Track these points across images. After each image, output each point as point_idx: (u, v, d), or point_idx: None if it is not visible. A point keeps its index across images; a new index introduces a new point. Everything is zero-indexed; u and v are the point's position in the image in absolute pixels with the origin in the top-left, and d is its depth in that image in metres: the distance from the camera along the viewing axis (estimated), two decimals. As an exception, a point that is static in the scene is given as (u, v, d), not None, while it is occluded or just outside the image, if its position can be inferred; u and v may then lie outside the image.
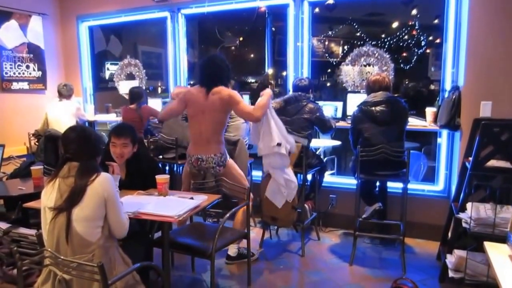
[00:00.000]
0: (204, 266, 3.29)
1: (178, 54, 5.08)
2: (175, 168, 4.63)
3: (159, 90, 6.99)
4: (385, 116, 3.27)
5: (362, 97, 3.69)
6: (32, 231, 1.99)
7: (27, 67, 5.20)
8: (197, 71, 3.31)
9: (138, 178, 2.76)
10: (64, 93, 4.96)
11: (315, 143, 4.08)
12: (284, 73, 7.75)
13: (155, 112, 4.61)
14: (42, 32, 5.36)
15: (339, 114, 4.23)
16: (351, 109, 3.91)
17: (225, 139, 3.47)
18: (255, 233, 3.93)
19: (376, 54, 4.13)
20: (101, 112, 5.60)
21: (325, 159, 4.66)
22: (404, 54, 4.68)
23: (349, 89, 4.24)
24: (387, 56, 4.10)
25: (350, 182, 4.11)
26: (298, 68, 4.35)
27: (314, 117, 3.61)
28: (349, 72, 4.25)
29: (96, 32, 6.03)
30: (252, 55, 7.08)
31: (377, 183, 3.72)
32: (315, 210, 3.90)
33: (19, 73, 5.11)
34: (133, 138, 2.75)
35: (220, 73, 3.11)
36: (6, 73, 4.96)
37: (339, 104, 4.24)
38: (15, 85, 5.07)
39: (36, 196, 2.78)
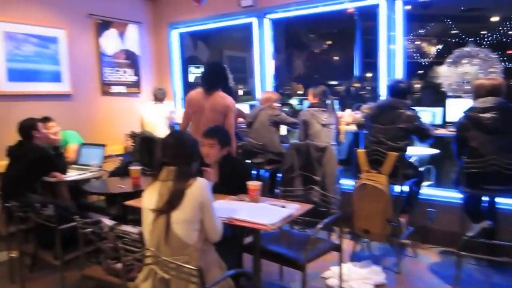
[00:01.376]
0: (292, 275, 3.24)
1: (264, 59, 5.12)
2: (262, 173, 4.65)
3: (241, 92, 7.14)
4: (496, 124, 2.97)
5: (464, 102, 3.43)
6: (135, 229, 2.08)
7: (124, 72, 5.60)
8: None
9: (230, 182, 2.79)
10: (159, 96, 5.31)
11: (410, 151, 3.85)
12: (369, 75, 7.52)
13: (243, 114, 4.68)
14: (137, 39, 5.75)
15: (438, 121, 3.94)
16: (452, 115, 3.64)
17: (313, 146, 3.52)
18: (345, 245, 3.78)
19: (481, 55, 3.78)
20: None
21: (422, 168, 4.38)
22: (510, 52, 4.26)
23: (449, 94, 3.93)
24: (494, 56, 3.73)
25: (451, 195, 3.83)
26: (390, 70, 4.16)
27: (412, 126, 3.39)
28: (447, 74, 3.94)
29: (186, 39, 6.33)
30: (340, 58, 6.93)
31: (485, 198, 3.40)
32: (411, 224, 3.68)
33: (117, 78, 5.51)
34: (221, 140, 2.80)
35: (217, 77, 3.58)
36: (106, 77, 5.38)
37: (438, 110, 3.95)
38: (114, 89, 5.48)
39: (134, 194, 2.96)
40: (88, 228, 2.24)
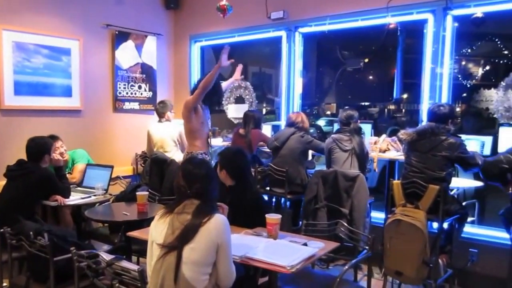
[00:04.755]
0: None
1: (292, 76, 5.05)
2: (282, 202, 4.52)
3: (264, 111, 7.06)
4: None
5: None
6: (135, 267, 2.00)
7: (139, 87, 5.62)
8: None
9: (241, 210, 2.71)
10: (160, 110, 5.00)
11: (452, 183, 3.67)
12: (405, 96, 7.37)
13: (265, 137, 4.58)
14: (155, 52, 5.77)
15: (487, 151, 3.74)
16: (504, 145, 3.45)
17: (341, 174, 3.56)
18: (373, 285, 3.60)
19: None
20: (208, 135, 5.78)
21: (464, 203, 4.17)
22: None
23: (502, 121, 3.75)
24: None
25: (497, 234, 3.67)
26: (435, 93, 4.00)
27: (455, 155, 3.25)
28: (500, 99, 3.78)
29: (208, 53, 6.33)
30: (376, 78, 6.80)
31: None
32: (450, 266, 3.49)
33: (131, 93, 5.53)
34: (229, 170, 2.77)
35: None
36: (120, 93, 5.40)
37: (487, 139, 3.76)
38: (127, 105, 5.49)
39: (139, 222, 2.90)
40: (84, 261, 2.16)
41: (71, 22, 4.88)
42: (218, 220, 1.96)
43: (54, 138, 4.02)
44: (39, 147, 3.50)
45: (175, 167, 4.16)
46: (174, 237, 1.92)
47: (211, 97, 3.95)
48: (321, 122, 7.05)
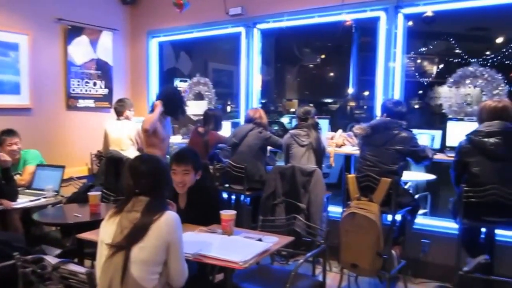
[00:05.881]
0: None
1: (251, 72, 5.06)
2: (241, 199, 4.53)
3: (229, 108, 7.06)
4: (501, 150, 2.94)
5: (466, 125, 3.44)
6: (83, 269, 1.95)
7: (94, 84, 5.48)
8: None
9: (199, 209, 2.70)
10: (119, 109, 4.86)
11: (405, 176, 3.79)
12: (366, 93, 7.54)
13: (222, 139, 4.56)
14: (111, 48, 5.65)
15: (437, 145, 3.90)
16: (452, 139, 3.60)
17: (299, 170, 3.59)
18: (331, 279, 3.70)
19: (486, 75, 3.78)
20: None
21: (417, 196, 4.31)
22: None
23: (450, 116, 3.90)
24: (500, 77, 3.73)
25: (447, 225, 3.78)
26: (388, 89, 4.12)
27: (408, 148, 3.36)
28: (448, 95, 3.93)
29: (166, 49, 6.26)
30: (334, 74, 6.92)
31: (483, 229, 3.34)
32: (403, 257, 3.60)
33: (86, 90, 5.39)
34: (195, 164, 2.69)
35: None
36: (73, 90, 5.25)
37: (437, 133, 3.92)
38: (81, 103, 5.34)
39: (92, 224, 2.82)
40: (28, 267, 2.08)
41: (19, 15, 4.70)
42: (169, 218, 1.93)
43: (9, 133, 3.90)
44: None
45: (131, 166, 4.10)
46: (122, 236, 1.89)
47: (174, 111, 4.12)
48: (285, 120, 7.13)
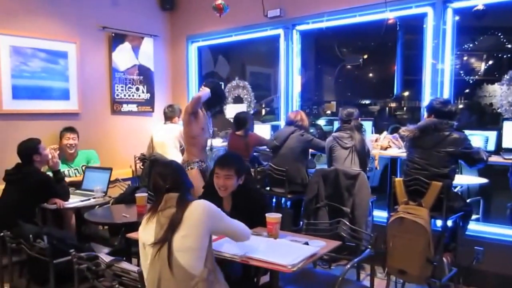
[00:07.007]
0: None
1: (290, 75, 5.05)
2: (282, 202, 4.52)
3: (263, 112, 7.07)
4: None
5: None
6: (135, 268, 2.02)
7: (137, 89, 5.63)
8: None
9: (244, 213, 2.69)
10: (169, 114, 5.18)
11: (456, 180, 3.66)
12: (406, 94, 7.37)
13: (263, 141, 4.58)
14: (152, 54, 5.79)
15: (491, 147, 3.73)
16: (509, 140, 3.45)
17: (342, 173, 3.55)
18: (376, 285, 3.61)
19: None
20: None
21: (469, 200, 4.16)
22: None
23: (505, 115, 3.74)
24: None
25: (503, 232, 3.66)
26: (436, 89, 4.01)
27: (460, 150, 3.24)
28: (502, 93, 3.78)
29: (205, 53, 6.34)
30: (376, 75, 6.79)
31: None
32: (455, 265, 3.48)
33: (129, 95, 5.54)
34: (238, 169, 2.71)
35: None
36: (117, 95, 5.42)
37: (491, 134, 3.74)
38: (125, 107, 5.51)
39: (139, 224, 2.89)
40: (83, 263, 2.17)
41: (68, 25, 4.91)
42: (201, 204, 2.07)
43: (69, 130, 4.39)
44: (25, 149, 3.56)
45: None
46: (163, 231, 2.00)
47: (213, 105, 4.06)
48: (321, 122, 7.06)
